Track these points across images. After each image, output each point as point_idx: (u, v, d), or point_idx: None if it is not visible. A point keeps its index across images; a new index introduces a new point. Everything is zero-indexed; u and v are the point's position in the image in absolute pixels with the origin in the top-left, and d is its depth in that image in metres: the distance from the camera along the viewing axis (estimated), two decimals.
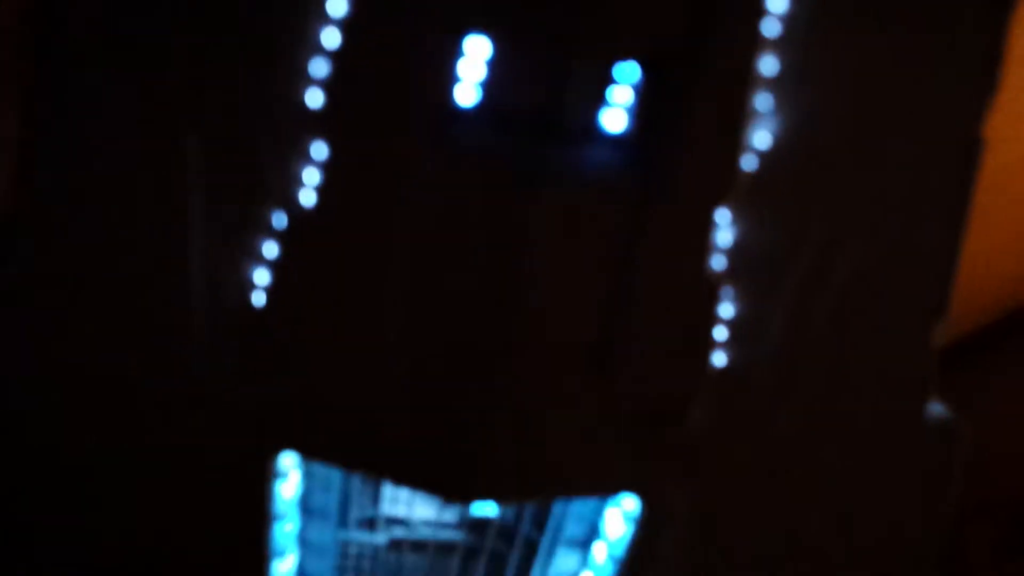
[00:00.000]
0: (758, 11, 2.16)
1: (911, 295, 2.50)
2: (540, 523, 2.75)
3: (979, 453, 2.87)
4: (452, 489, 2.39)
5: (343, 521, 2.81)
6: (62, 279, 2.38)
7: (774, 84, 2.22)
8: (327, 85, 2.25)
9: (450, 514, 2.81)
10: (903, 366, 2.54)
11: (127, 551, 2.50)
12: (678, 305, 2.32)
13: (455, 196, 2.23)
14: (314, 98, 2.25)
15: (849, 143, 2.37)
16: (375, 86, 2.23)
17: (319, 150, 2.27)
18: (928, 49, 2.35)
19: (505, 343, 2.28)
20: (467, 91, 2.24)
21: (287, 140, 2.28)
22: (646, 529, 2.52)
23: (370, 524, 2.85)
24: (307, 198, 2.29)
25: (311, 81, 2.25)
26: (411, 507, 2.84)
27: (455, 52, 2.21)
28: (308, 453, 2.49)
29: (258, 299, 2.37)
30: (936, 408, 2.57)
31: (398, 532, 2.85)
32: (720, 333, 2.38)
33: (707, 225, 2.27)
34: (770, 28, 2.19)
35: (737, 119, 2.21)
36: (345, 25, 2.22)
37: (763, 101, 2.23)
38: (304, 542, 2.73)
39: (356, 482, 2.79)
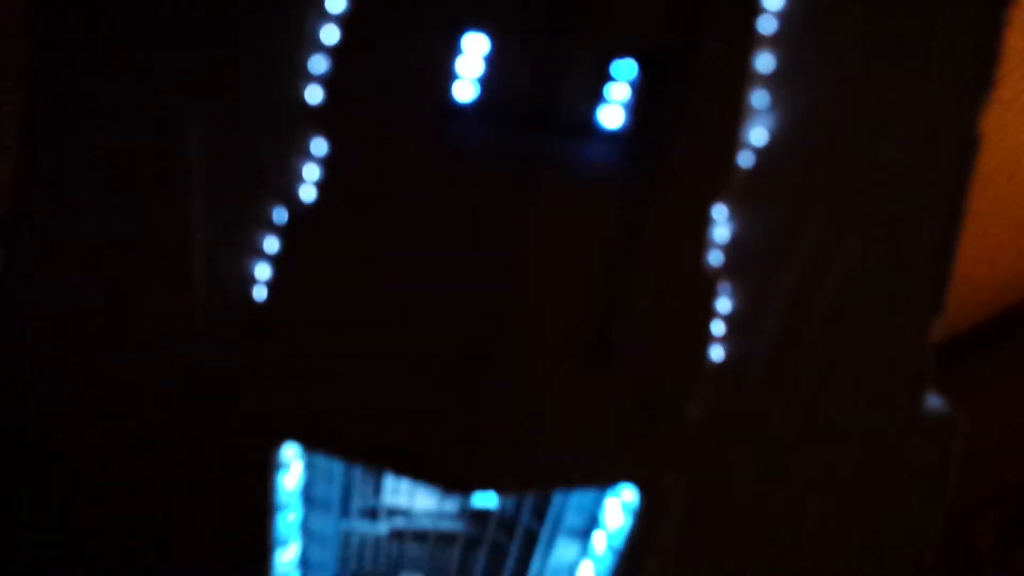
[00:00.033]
0: (754, 8, 2.16)
1: (908, 290, 2.50)
2: (540, 514, 2.77)
3: (982, 446, 2.89)
4: (452, 480, 2.41)
5: (345, 511, 2.84)
6: (62, 275, 2.39)
7: (770, 81, 2.22)
8: (326, 81, 2.25)
9: (451, 505, 2.84)
10: (900, 361, 2.54)
11: (131, 543, 2.52)
12: (676, 300, 2.32)
13: (454, 192, 2.24)
14: (313, 94, 2.26)
15: (846, 140, 2.37)
16: (374, 83, 2.23)
17: (319, 146, 2.27)
18: (925, 46, 2.35)
19: (503, 337, 2.29)
20: (465, 88, 2.24)
21: (287, 136, 2.28)
22: (645, 520, 2.54)
23: (372, 514, 2.88)
24: (307, 194, 2.30)
25: (310, 77, 2.25)
26: (412, 498, 2.87)
27: (453, 49, 2.21)
28: (309, 445, 2.51)
29: (259, 293, 2.38)
30: (933, 402, 2.58)
31: (399, 522, 2.88)
32: (717, 328, 2.39)
33: (704, 221, 2.27)
34: (766, 25, 2.19)
35: (733, 116, 2.21)
36: (344, 21, 2.22)
37: (759, 98, 2.23)
38: (307, 532, 2.75)
39: (358, 473, 2.82)
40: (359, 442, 2.43)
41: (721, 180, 2.26)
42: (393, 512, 2.88)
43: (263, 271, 2.37)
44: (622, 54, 2.22)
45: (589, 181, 2.25)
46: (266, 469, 2.49)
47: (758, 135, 2.27)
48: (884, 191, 2.42)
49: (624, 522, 2.59)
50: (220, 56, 2.29)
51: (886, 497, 2.65)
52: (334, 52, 2.24)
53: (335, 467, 2.74)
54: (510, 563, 2.83)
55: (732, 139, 2.23)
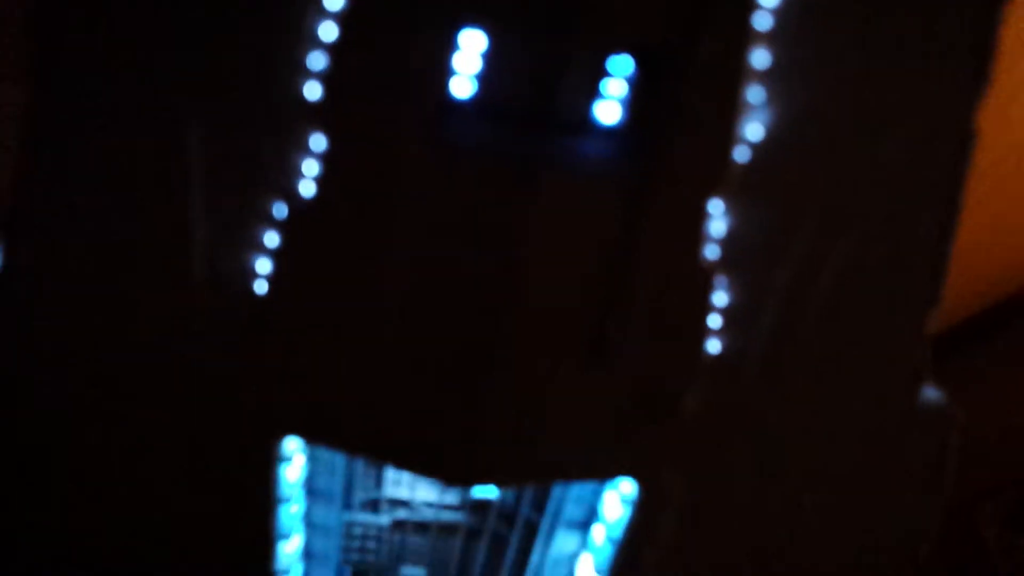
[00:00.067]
0: (750, 5, 2.17)
1: (904, 285, 2.51)
2: (540, 505, 2.80)
3: (983, 437, 2.90)
4: (453, 475, 2.42)
5: (347, 503, 2.87)
6: (63, 275, 2.41)
7: (766, 77, 2.23)
8: (325, 78, 2.26)
9: (452, 496, 2.86)
10: (897, 355, 2.56)
11: (135, 539, 2.55)
12: (673, 294, 2.33)
13: (452, 188, 2.25)
14: (312, 91, 2.27)
15: (841, 136, 2.37)
16: (372, 79, 2.24)
17: (318, 142, 2.29)
18: (921, 42, 2.35)
19: (503, 331, 2.30)
20: (463, 84, 2.26)
21: (286, 132, 2.29)
22: (643, 512, 2.55)
23: (373, 506, 2.90)
24: (307, 189, 2.31)
25: (309, 74, 2.27)
26: (413, 489, 2.90)
27: (451, 46, 2.22)
28: (311, 438, 2.53)
29: (260, 287, 2.39)
30: (930, 394, 2.59)
31: (401, 513, 2.90)
32: (714, 321, 2.40)
33: (701, 216, 2.28)
34: (762, 22, 2.19)
35: (730, 112, 2.22)
36: (342, 19, 2.24)
37: (755, 94, 2.24)
38: (310, 523, 2.78)
39: (359, 465, 2.84)
40: (360, 436, 2.44)
41: (717, 175, 2.26)
42: (395, 503, 2.90)
43: (264, 266, 2.38)
44: (619, 51, 2.23)
45: (587, 177, 2.26)
46: (269, 462, 2.51)
47: (754, 131, 2.27)
48: (880, 186, 2.43)
49: (623, 514, 2.61)
50: (220, 55, 2.30)
51: (884, 490, 2.66)
52: (333, 49, 2.25)
53: (337, 460, 2.76)
54: (511, 554, 2.85)
55: (728, 135, 2.24)
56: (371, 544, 2.89)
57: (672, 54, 2.20)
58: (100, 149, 2.36)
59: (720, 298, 2.38)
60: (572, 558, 2.80)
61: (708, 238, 2.31)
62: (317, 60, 2.26)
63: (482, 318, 2.29)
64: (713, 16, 2.16)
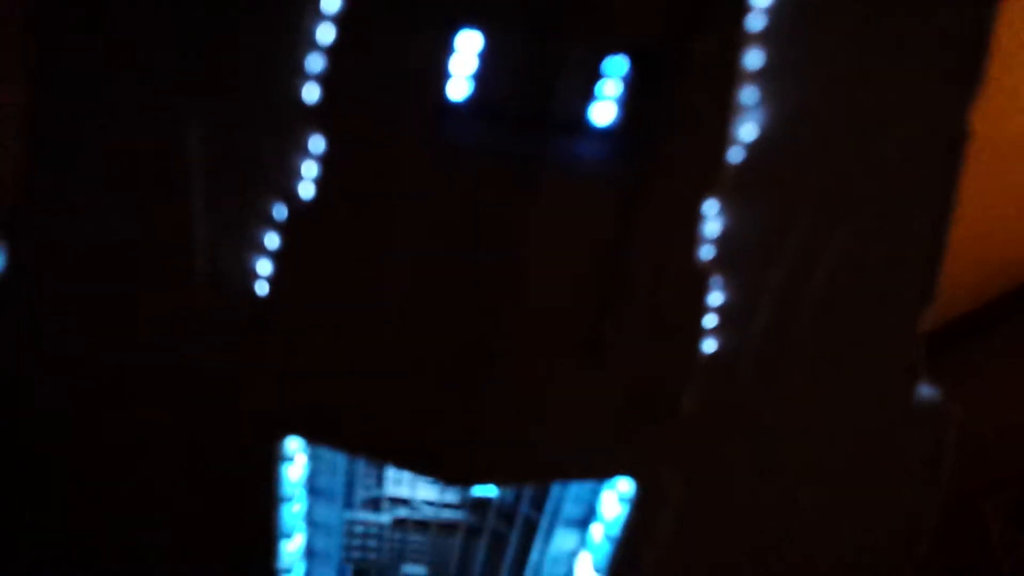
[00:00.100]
0: (745, 5, 2.18)
1: (899, 283, 2.52)
2: (539, 504, 2.81)
3: (981, 432, 2.91)
4: (452, 475, 2.44)
5: (349, 502, 2.88)
6: (63, 275, 2.42)
7: (760, 77, 2.24)
8: (323, 80, 2.27)
9: (452, 495, 2.88)
10: (892, 352, 2.57)
11: (137, 540, 2.57)
12: (668, 295, 2.34)
13: (450, 189, 2.26)
14: (310, 93, 2.28)
15: (835, 135, 2.38)
16: (370, 81, 2.25)
17: (316, 144, 2.30)
18: (915, 41, 2.35)
19: (502, 331, 2.31)
20: (459, 85, 2.27)
21: (285, 133, 2.30)
22: (641, 511, 2.57)
23: (374, 504, 2.92)
24: (306, 191, 2.32)
25: (308, 76, 2.28)
26: (414, 488, 2.91)
27: (447, 47, 2.23)
28: (312, 439, 2.55)
29: (261, 288, 2.40)
30: (926, 392, 2.60)
31: (402, 512, 2.92)
32: (710, 320, 2.41)
33: (696, 216, 2.29)
34: (756, 22, 2.20)
35: (724, 112, 2.23)
36: (339, 21, 2.25)
37: (749, 94, 2.25)
38: (311, 522, 2.80)
39: (361, 464, 2.86)
40: (361, 437, 2.46)
41: (712, 176, 2.27)
42: (396, 502, 2.92)
43: (264, 267, 2.40)
44: (615, 51, 2.24)
45: (584, 178, 2.27)
46: (270, 462, 2.53)
47: (748, 131, 2.28)
48: (874, 185, 2.44)
49: (621, 513, 2.63)
50: (219, 55, 2.31)
51: (881, 488, 2.67)
52: (330, 51, 2.26)
53: (339, 459, 2.78)
54: (510, 552, 2.87)
55: (723, 135, 2.24)
56: (372, 542, 2.91)
57: (668, 54, 2.21)
58: (100, 149, 2.37)
59: (716, 298, 2.40)
60: (571, 556, 2.81)
61: (703, 238, 2.33)
62: (315, 62, 2.27)
63: (481, 317, 2.30)
64: (708, 16, 2.17)
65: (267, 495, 2.56)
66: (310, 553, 2.82)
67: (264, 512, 2.58)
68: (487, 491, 2.86)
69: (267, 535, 2.61)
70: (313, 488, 2.77)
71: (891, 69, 2.36)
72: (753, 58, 2.23)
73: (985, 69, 2.37)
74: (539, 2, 2.19)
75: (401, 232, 2.30)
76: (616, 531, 2.64)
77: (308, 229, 2.34)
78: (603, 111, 2.27)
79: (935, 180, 2.45)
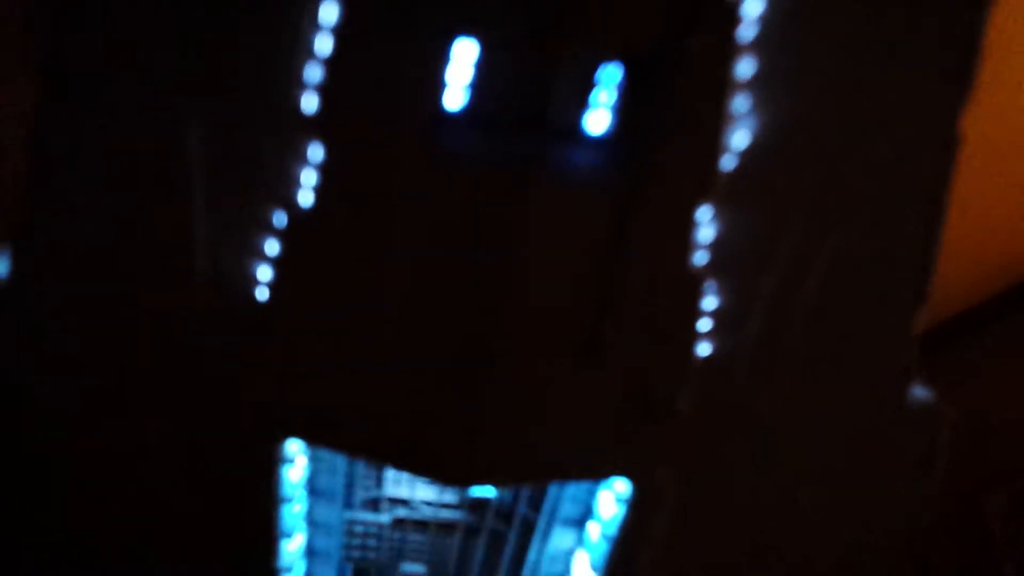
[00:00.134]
0: (736, 14, 2.20)
1: (892, 284, 2.54)
2: (537, 504, 2.83)
3: (980, 429, 2.92)
4: (451, 476, 2.46)
5: (348, 502, 2.90)
6: (64, 276, 2.44)
7: (752, 85, 2.26)
8: (321, 89, 2.29)
9: (450, 495, 2.90)
10: (886, 354, 2.59)
11: (137, 541, 2.59)
12: (663, 300, 2.37)
13: (447, 197, 2.28)
14: (309, 102, 2.30)
15: (827, 140, 2.40)
16: (367, 91, 2.27)
17: (315, 152, 2.32)
18: (906, 46, 2.37)
19: (500, 334, 2.33)
20: (455, 95, 2.29)
21: (285, 141, 2.33)
22: (637, 511, 2.59)
23: (374, 504, 2.94)
24: (305, 198, 2.35)
25: (306, 86, 2.30)
26: (413, 488, 2.94)
27: (444, 57, 2.25)
28: (312, 441, 2.57)
29: (261, 294, 2.43)
30: (919, 392, 2.63)
31: (401, 512, 2.94)
32: (705, 324, 2.43)
33: (689, 222, 2.32)
34: (747, 31, 2.22)
35: (717, 120, 2.25)
36: (337, 32, 2.27)
37: (741, 102, 2.27)
38: (312, 522, 2.82)
39: (360, 465, 2.88)
40: (360, 439, 2.48)
41: (705, 183, 2.29)
42: (395, 502, 2.94)
43: (264, 273, 2.42)
44: (609, 60, 2.26)
45: (579, 185, 2.29)
46: (271, 464, 2.55)
47: (740, 138, 2.31)
48: (867, 189, 2.46)
49: (617, 512, 2.65)
50: (220, 57, 2.33)
51: (875, 488, 2.69)
52: (328, 61, 2.28)
53: (339, 460, 2.80)
54: (508, 551, 2.89)
55: (715, 143, 2.27)
56: (372, 542, 2.93)
57: (661, 63, 2.22)
58: (101, 150, 2.39)
59: (710, 302, 2.42)
60: (568, 555, 2.83)
61: (697, 244, 2.35)
62: (313, 72, 2.29)
63: (479, 319, 2.32)
64: (700, 25, 2.18)
65: (267, 496, 2.59)
66: (310, 552, 2.85)
67: (264, 513, 2.61)
68: (485, 491, 2.88)
69: (267, 535, 2.63)
70: (313, 488, 2.79)
71: (882, 75, 2.38)
72: (745, 66, 2.25)
73: (977, 72, 2.39)
74: (534, 12, 2.21)
75: (399, 239, 2.32)
76: (613, 530, 2.66)
77: (308, 236, 2.36)
78: (597, 119, 2.30)
79: (927, 183, 2.47)
